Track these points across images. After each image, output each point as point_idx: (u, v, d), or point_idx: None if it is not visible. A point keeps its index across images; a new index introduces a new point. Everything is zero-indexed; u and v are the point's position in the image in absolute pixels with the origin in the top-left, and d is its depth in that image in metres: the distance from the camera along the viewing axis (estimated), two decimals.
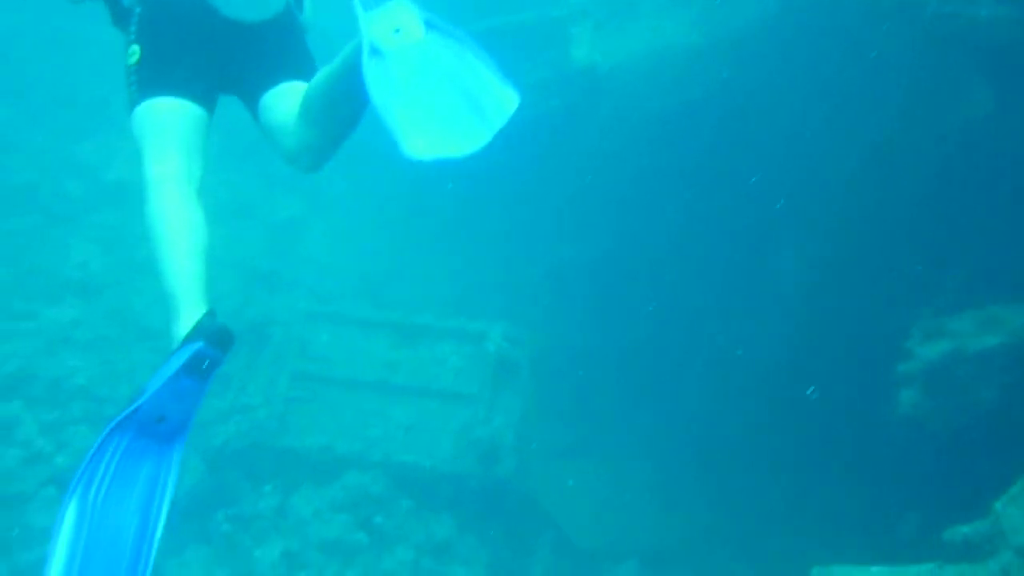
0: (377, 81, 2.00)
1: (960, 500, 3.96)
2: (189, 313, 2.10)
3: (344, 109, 2.41)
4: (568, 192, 8.48)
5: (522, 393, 8.10)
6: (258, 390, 8.04)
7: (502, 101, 2.10)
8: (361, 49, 2.05)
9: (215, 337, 2.01)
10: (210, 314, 2.11)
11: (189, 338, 2.03)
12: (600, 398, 9.23)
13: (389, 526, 7.54)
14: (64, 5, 3.05)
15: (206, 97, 2.55)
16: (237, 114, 2.84)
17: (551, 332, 8.80)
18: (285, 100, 2.60)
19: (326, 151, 2.57)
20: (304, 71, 2.66)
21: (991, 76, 4.78)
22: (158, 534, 2.00)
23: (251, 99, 2.69)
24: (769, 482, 7.11)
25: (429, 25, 2.09)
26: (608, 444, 9.38)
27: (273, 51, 2.67)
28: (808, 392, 5.55)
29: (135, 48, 2.49)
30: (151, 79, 2.45)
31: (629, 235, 8.32)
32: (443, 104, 2.07)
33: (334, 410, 8.05)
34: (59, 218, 8.53)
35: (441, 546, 7.45)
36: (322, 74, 2.42)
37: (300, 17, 2.80)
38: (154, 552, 1.96)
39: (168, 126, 2.40)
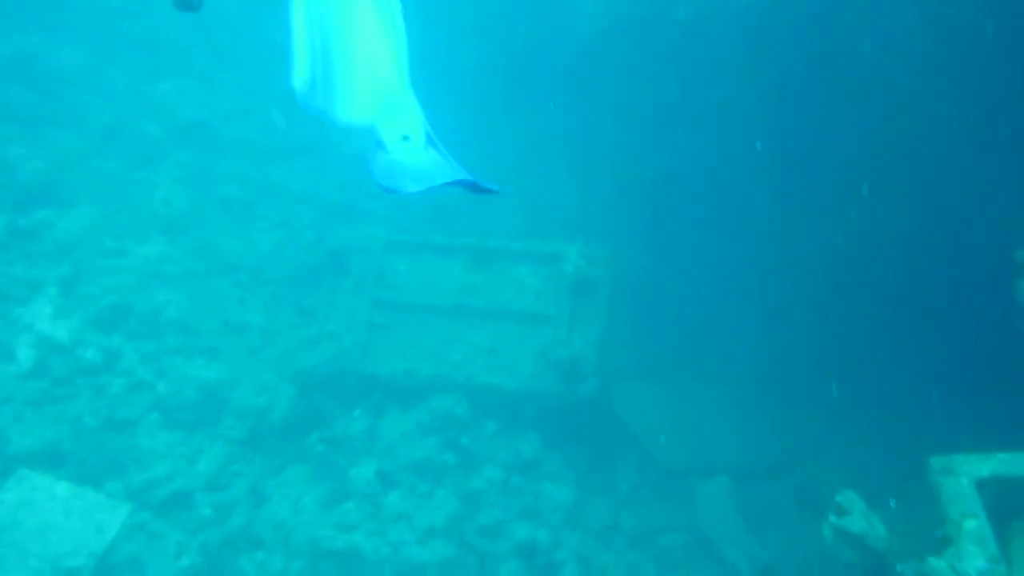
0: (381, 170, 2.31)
1: None
2: None
3: None
4: (643, 104, 8.21)
5: (602, 312, 8.01)
6: (341, 318, 8.16)
7: None
8: None
9: None
10: None
11: None
12: (680, 317, 9.10)
13: (476, 447, 7.64)
14: None
15: None
16: None
17: (626, 251, 8.66)
18: None
19: None
20: None
21: None
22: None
23: None
24: (868, 391, 6.89)
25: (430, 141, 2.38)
26: (692, 364, 9.27)
27: None
28: None
29: None
30: None
31: (708, 147, 8.03)
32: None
33: (415, 336, 8.13)
34: (140, 158, 8.71)
35: (529, 464, 7.52)
36: None
37: None
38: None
39: None
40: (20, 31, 8.86)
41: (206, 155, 9.26)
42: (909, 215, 5.97)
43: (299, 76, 2.28)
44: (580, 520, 7.34)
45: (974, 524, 3.16)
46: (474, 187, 2.30)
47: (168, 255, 8.17)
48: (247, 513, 6.48)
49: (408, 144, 2.34)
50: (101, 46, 9.35)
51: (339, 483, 6.94)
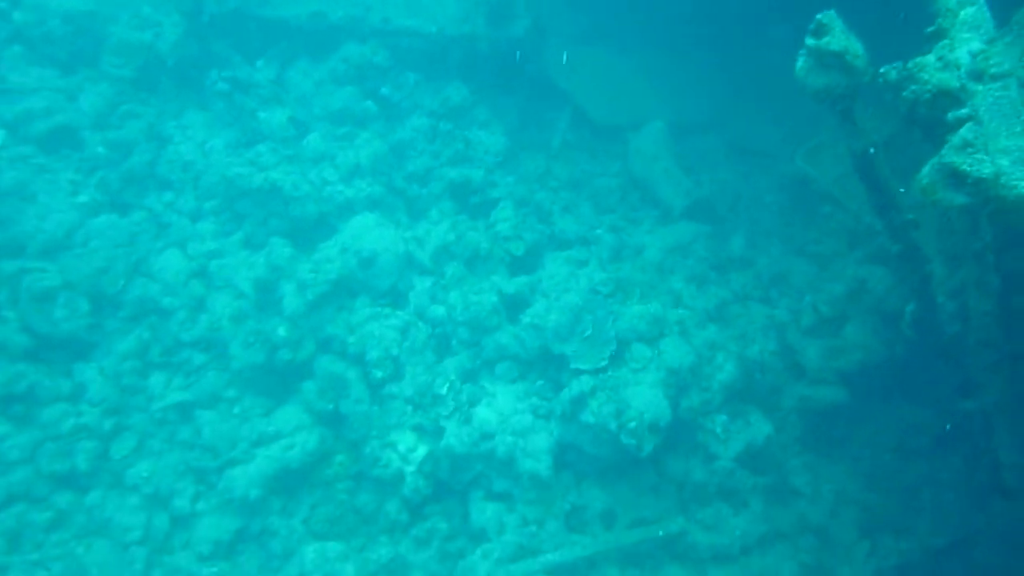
0: None
1: None
2: None
3: None
4: None
5: None
6: None
7: None
8: None
9: None
10: None
11: None
12: None
13: (398, 97, 7.01)
14: None
15: None
16: None
17: None
18: None
19: None
20: None
21: None
22: None
23: None
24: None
25: None
26: (622, 28, 8.67)
27: None
28: None
29: None
30: None
31: None
32: None
33: None
34: None
35: (457, 111, 6.98)
36: None
37: None
38: None
39: None
40: None
41: None
42: None
43: None
44: (514, 166, 7.03)
45: (971, 11, 2.83)
46: None
47: None
48: (149, 153, 5.84)
49: None
50: None
51: (249, 126, 6.29)
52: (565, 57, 8.19)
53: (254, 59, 6.90)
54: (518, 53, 7.26)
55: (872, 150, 3.32)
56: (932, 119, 2.84)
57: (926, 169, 2.76)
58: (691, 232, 6.41)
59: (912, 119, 2.92)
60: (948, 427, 4.66)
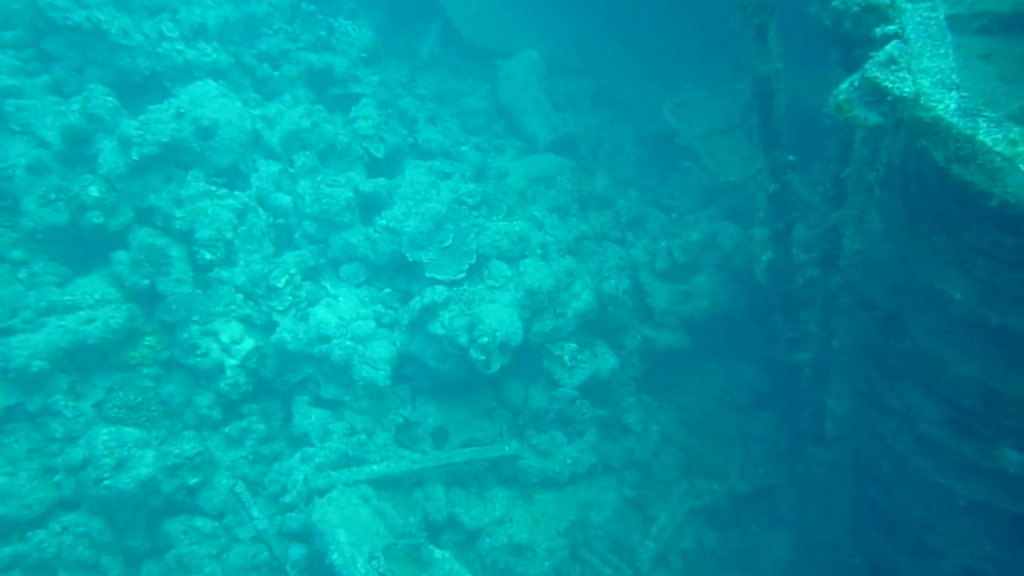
0: None
1: None
2: None
3: None
4: None
5: None
6: None
7: None
8: None
9: None
10: None
11: None
12: None
13: None
14: None
15: None
16: None
17: None
18: None
19: None
20: None
21: None
22: None
23: None
24: None
25: None
26: None
27: None
28: None
29: None
30: None
31: None
32: None
33: None
34: None
35: None
36: None
37: None
38: None
39: None
40: None
41: None
42: None
43: None
44: (379, 67, 6.51)
45: None
46: None
47: None
48: None
49: None
50: None
51: None
52: None
53: None
54: None
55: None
56: (855, 36, 2.80)
57: (844, 85, 2.72)
58: (556, 165, 6.26)
59: (835, 35, 2.87)
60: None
